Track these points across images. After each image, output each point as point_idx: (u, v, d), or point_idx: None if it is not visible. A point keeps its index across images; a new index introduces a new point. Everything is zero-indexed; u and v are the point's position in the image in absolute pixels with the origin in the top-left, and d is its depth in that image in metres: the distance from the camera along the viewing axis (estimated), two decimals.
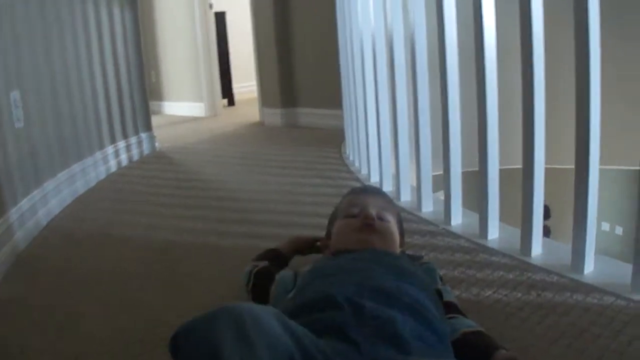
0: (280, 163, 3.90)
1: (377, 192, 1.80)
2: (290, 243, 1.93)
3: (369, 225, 1.59)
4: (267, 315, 1.00)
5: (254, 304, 1.03)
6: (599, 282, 1.82)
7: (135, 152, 4.22)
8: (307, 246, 1.93)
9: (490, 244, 2.17)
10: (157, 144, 4.59)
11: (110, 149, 3.85)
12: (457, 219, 2.41)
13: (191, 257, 2.26)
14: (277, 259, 1.82)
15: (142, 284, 2.03)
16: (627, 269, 1.80)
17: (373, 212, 1.62)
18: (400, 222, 1.74)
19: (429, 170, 2.59)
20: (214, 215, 2.77)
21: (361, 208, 1.64)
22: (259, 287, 1.68)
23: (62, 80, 3.28)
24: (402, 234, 1.73)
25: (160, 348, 1.54)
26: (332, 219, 1.75)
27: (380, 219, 1.63)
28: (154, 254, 2.30)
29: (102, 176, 3.65)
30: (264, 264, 1.75)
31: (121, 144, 4.03)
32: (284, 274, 1.65)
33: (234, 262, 2.10)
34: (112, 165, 3.85)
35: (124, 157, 4.03)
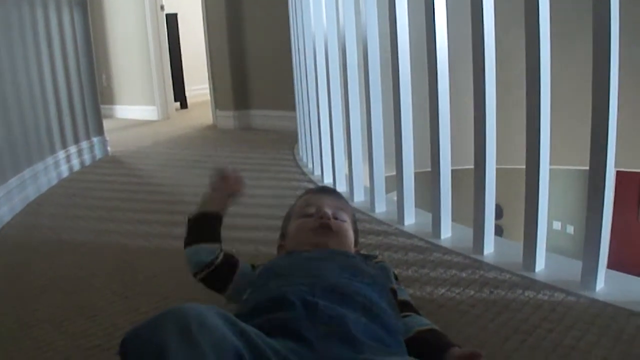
0: (233, 166, 3.89)
1: (332, 192, 1.80)
2: (214, 195, 1.75)
3: (324, 225, 1.59)
4: (212, 315, 1.00)
5: (198, 305, 1.02)
6: (550, 279, 1.86)
7: (87, 157, 4.17)
8: (227, 190, 1.75)
9: (443, 243, 2.19)
10: (109, 149, 4.54)
11: (61, 154, 3.79)
12: (410, 218, 2.42)
13: (146, 261, 2.24)
14: (216, 226, 1.69)
15: (98, 289, 2.00)
16: (577, 266, 1.83)
17: (329, 211, 1.62)
18: (354, 222, 1.74)
19: (381, 170, 2.60)
20: (168, 218, 2.75)
21: (317, 208, 1.64)
22: (224, 271, 1.62)
23: (10, 84, 3.22)
24: (356, 233, 1.74)
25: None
26: (287, 218, 1.74)
27: (336, 218, 1.63)
28: (109, 259, 2.27)
29: (54, 182, 3.60)
30: (217, 249, 1.64)
31: (72, 148, 3.98)
32: (245, 266, 1.64)
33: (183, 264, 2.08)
34: (64, 170, 3.79)
35: (75, 162, 3.97)
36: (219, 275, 1.61)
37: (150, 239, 2.46)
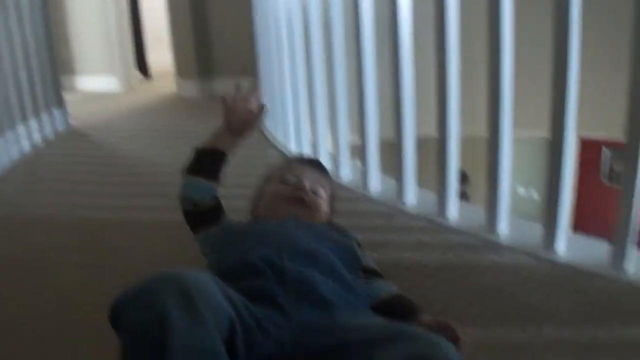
0: (198, 135, 3.84)
1: (318, 165, 1.76)
2: (224, 133, 1.71)
3: (299, 198, 1.58)
4: (209, 281, 1.01)
5: (193, 270, 1.02)
6: (514, 242, 1.88)
7: (48, 131, 4.08)
8: (240, 125, 1.71)
9: (408, 209, 2.20)
10: (71, 122, 4.46)
11: (22, 129, 3.71)
12: (376, 185, 2.43)
13: (112, 233, 2.21)
14: (219, 165, 1.66)
15: (64, 263, 1.97)
16: (540, 229, 1.86)
17: (307, 184, 1.60)
18: (333, 198, 1.71)
19: (346, 137, 2.60)
20: (134, 190, 2.73)
21: (297, 177, 1.62)
22: (208, 216, 1.60)
23: None
24: (332, 210, 1.71)
25: (88, 328, 1.52)
26: (268, 179, 1.70)
27: (314, 193, 1.62)
28: (75, 233, 2.24)
29: (16, 157, 3.53)
30: (212, 191, 1.62)
31: (33, 123, 3.90)
32: (229, 221, 1.62)
33: (156, 236, 2.09)
34: (25, 145, 3.71)
35: (37, 136, 3.89)
36: (200, 218, 1.60)
37: (116, 212, 2.44)
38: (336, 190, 1.76)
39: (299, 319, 1.17)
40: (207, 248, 1.57)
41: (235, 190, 1.90)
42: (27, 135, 3.73)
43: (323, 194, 1.64)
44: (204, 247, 1.60)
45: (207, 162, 1.65)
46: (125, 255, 2.01)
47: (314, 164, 1.75)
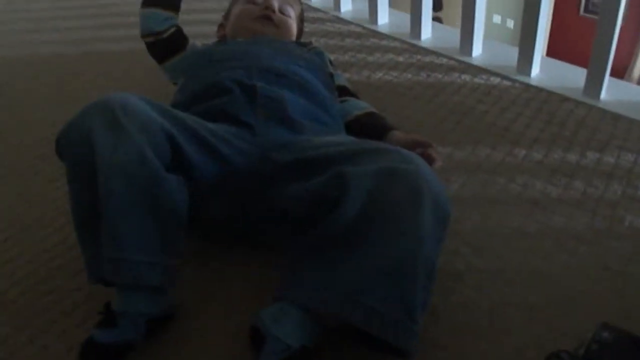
0: None
1: None
2: None
3: (266, 16, 1.53)
4: (136, 100, 1.02)
5: (124, 93, 1.03)
6: (487, 64, 1.86)
7: None
8: None
9: (380, 29, 2.15)
10: None
11: None
12: (347, 5, 2.36)
13: (83, 67, 2.13)
14: None
15: (37, 101, 1.91)
16: (513, 53, 1.83)
17: (275, 4, 1.55)
18: (301, 20, 1.69)
19: None
20: (100, 22, 2.61)
21: None
22: (171, 44, 1.55)
23: None
24: (300, 30, 1.68)
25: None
26: (233, 0, 1.66)
27: (282, 12, 1.57)
28: (44, 70, 2.14)
29: None
30: (172, 19, 1.55)
31: None
32: (194, 44, 1.57)
33: (126, 65, 2.03)
34: None
35: None
36: (164, 46, 1.55)
37: (84, 45, 2.34)
38: (304, 9, 1.73)
39: (267, 137, 1.16)
40: (177, 75, 1.53)
41: (212, 15, 1.84)
42: None
43: (292, 13, 1.60)
44: (173, 76, 1.56)
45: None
46: (95, 88, 1.95)
47: None
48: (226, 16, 1.65)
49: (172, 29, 1.55)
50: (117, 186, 0.93)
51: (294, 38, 1.61)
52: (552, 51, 6.38)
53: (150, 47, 1.57)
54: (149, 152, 0.96)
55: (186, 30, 1.58)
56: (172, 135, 1.01)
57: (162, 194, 0.97)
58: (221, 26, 1.65)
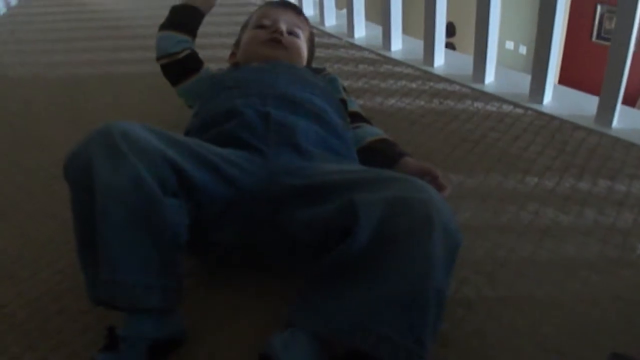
0: None
1: (292, 7, 1.71)
2: None
3: (275, 39, 1.55)
4: (137, 127, 1.03)
5: (125, 121, 1.04)
6: (499, 91, 1.86)
7: None
8: None
9: (393, 55, 2.16)
10: None
11: None
12: (361, 31, 2.37)
13: (95, 88, 2.15)
14: (195, 21, 1.67)
15: (51, 121, 1.93)
16: (526, 80, 1.84)
17: (283, 27, 1.57)
18: (311, 42, 1.70)
19: None
20: (114, 44, 2.64)
21: (272, 21, 1.59)
22: (185, 66, 1.60)
23: None
24: (311, 53, 1.70)
25: None
26: (243, 28, 1.69)
27: (290, 34, 1.59)
28: (58, 91, 2.16)
29: None
30: (188, 42, 1.62)
31: None
32: (208, 69, 1.61)
33: (140, 88, 2.04)
34: (1, 6, 3.55)
35: None
36: (179, 68, 1.59)
37: (100, 66, 2.36)
38: (313, 32, 1.76)
39: (277, 162, 1.16)
40: (191, 99, 1.57)
41: (222, 39, 1.85)
42: None
43: (301, 34, 1.61)
44: (187, 99, 1.60)
45: (182, 17, 1.65)
46: (110, 108, 1.97)
47: (289, 6, 1.72)
48: (237, 44, 1.67)
49: (187, 51, 1.59)
50: (113, 209, 0.95)
51: (304, 60, 1.62)
52: (564, 76, 6.39)
53: (165, 68, 1.61)
54: (146, 177, 0.96)
55: (201, 54, 1.60)
56: (174, 161, 1.01)
57: (159, 218, 0.98)
58: (233, 54, 1.67)
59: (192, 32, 1.64)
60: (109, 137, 0.99)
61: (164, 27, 1.63)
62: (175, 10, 1.67)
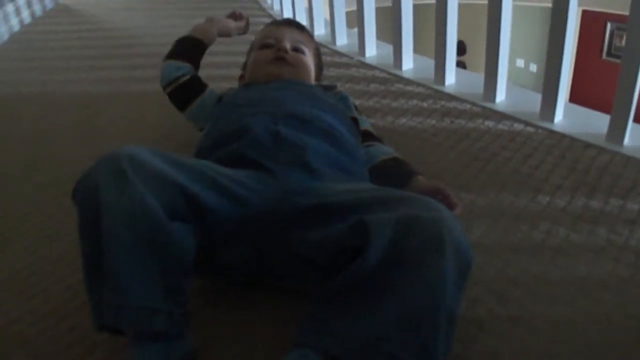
0: (189, 4, 3.74)
1: (295, 24, 1.73)
2: (208, 26, 1.80)
3: (280, 57, 1.56)
4: (144, 152, 1.04)
5: (133, 146, 1.05)
6: (510, 110, 1.86)
7: (37, 8, 3.94)
8: (228, 26, 1.86)
9: (404, 74, 2.17)
10: None
11: (10, 7, 3.57)
12: (372, 50, 2.38)
13: (108, 105, 2.18)
14: (197, 51, 1.73)
15: (63, 138, 1.94)
16: (537, 98, 1.84)
17: (287, 44, 1.58)
18: (318, 57, 1.71)
19: (341, 3, 2.53)
20: (127, 62, 2.66)
21: (276, 39, 1.60)
22: (189, 88, 1.63)
23: None
24: (319, 68, 1.70)
25: None
26: (250, 49, 1.70)
27: (296, 50, 1.59)
28: (71, 108, 2.19)
29: (6, 36, 3.41)
30: (189, 68, 1.66)
31: (21, 0, 3.75)
32: (213, 91, 1.63)
33: (151, 106, 2.05)
34: (15, 24, 3.59)
35: (25, 14, 3.75)
36: (183, 92, 1.62)
37: (112, 84, 2.38)
38: (319, 46, 1.77)
39: (287, 181, 1.16)
40: (200, 122, 1.59)
41: (229, 58, 1.85)
42: (16, 14, 3.60)
43: (306, 50, 1.62)
44: (196, 123, 1.62)
45: (184, 47, 1.71)
46: (121, 127, 1.98)
47: (292, 24, 1.74)
48: (244, 66, 1.70)
49: (189, 75, 1.63)
50: (119, 233, 0.94)
51: (312, 75, 1.63)
52: (574, 94, 6.38)
53: (171, 95, 1.65)
54: (151, 201, 0.96)
55: (212, 73, 1.61)
56: (182, 185, 1.01)
57: (164, 242, 0.97)
58: (241, 77, 1.69)
59: (194, 60, 1.68)
60: (116, 162, 0.99)
61: (166, 57, 1.69)
62: (178, 42, 1.73)
